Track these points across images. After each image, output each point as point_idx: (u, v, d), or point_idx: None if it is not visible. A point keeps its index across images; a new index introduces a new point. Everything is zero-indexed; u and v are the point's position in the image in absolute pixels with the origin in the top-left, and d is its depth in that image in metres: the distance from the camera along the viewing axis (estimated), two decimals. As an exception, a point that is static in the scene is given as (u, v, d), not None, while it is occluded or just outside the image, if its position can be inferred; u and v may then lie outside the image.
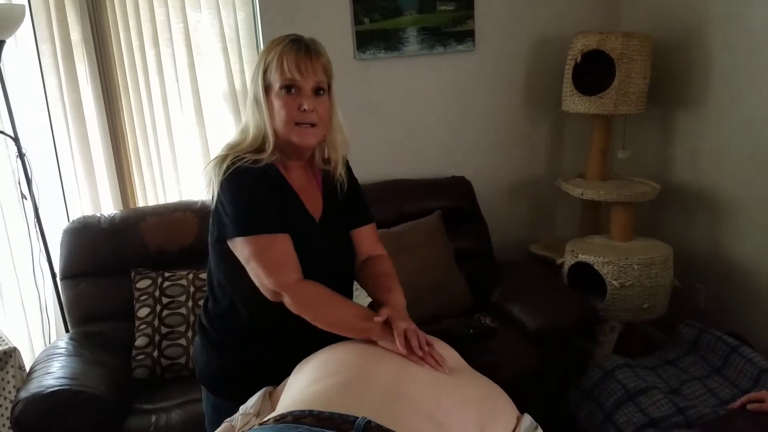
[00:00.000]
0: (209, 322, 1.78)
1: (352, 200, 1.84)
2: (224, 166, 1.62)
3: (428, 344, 1.48)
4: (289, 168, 1.72)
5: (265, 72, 1.63)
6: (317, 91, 1.65)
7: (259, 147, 1.66)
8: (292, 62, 1.60)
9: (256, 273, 1.60)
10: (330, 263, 1.72)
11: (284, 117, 1.62)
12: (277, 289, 1.59)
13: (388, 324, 1.55)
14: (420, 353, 1.45)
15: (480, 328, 2.78)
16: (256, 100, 1.66)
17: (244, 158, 1.62)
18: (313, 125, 1.65)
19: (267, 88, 1.64)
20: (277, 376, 1.52)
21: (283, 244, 1.61)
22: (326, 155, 1.79)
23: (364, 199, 1.90)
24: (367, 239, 1.86)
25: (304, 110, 1.62)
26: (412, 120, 3.46)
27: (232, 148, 1.68)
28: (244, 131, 1.70)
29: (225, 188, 1.61)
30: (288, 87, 1.62)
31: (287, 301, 1.59)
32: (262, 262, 1.58)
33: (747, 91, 2.90)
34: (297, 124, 1.63)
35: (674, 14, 3.27)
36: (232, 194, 1.60)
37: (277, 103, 1.63)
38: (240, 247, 1.61)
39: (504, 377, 1.50)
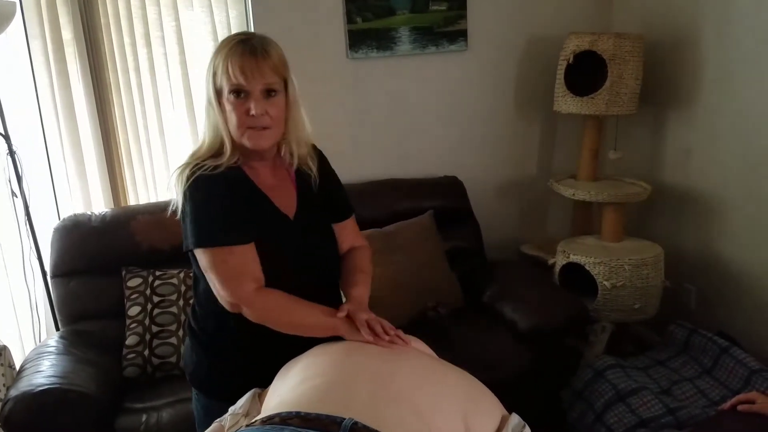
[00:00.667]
0: (197, 324, 1.78)
1: (331, 194, 1.84)
2: (185, 176, 1.61)
3: (391, 328, 1.54)
4: (256, 168, 1.70)
5: (214, 75, 1.60)
6: (268, 92, 1.61)
7: (217, 151, 1.64)
8: (237, 66, 1.56)
9: (213, 284, 1.60)
10: (310, 258, 1.72)
11: (235, 122, 1.60)
12: (234, 301, 1.58)
13: (350, 319, 1.58)
14: (387, 338, 1.50)
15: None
16: (210, 105, 1.63)
17: (203, 166, 1.60)
18: (265, 128, 1.62)
19: (218, 92, 1.61)
20: (268, 377, 1.52)
21: (239, 255, 1.59)
22: (289, 150, 1.77)
23: (344, 191, 1.89)
24: (349, 232, 1.87)
25: (253, 115, 1.59)
26: (404, 119, 3.46)
27: (193, 155, 1.67)
28: (202, 138, 1.68)
29: (187, 198, 1.60)
30: (236, 91, 1.58)
31: (246, 312, 1.59)
32: (218, 274, 1.58)
33: (738, 93, 2.91)
34: (249, 128, 1.61)
35: (666, 15, 3.27)
36: (193, 204, 1.59)
37: (228, 107, 1.60)
38: (199, 258, 1.61)
39: (496, 377, 1.50)
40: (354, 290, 1.72)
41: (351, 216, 1.89)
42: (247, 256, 1.60)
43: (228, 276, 1.58)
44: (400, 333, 1.54)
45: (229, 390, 1.58)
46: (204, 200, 1.59)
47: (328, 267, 1.81)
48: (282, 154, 1.75)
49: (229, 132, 1.63)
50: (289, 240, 1.69)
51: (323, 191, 1.81)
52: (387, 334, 1.52)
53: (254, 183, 1.69)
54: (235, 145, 1.64)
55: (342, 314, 1.58)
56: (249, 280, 1.59)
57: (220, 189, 1.60)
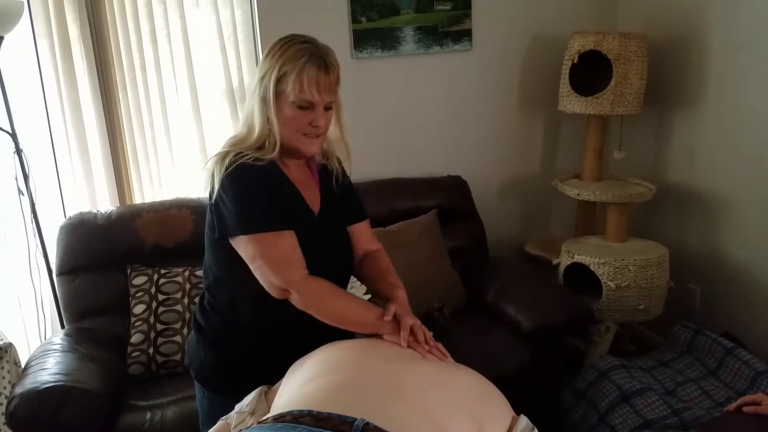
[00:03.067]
0: (204, 319, 1.78)
1: (346, 196, 1.86)
2: (226, 163, 1.61)
3: (431, 339, 1.56)
4: (288, 165, 1.73)
5: (279, 79, 1.60)
6: (327, 106, 1.65)
7: (262, 145, 1.65)
8: (313, 83, 1.59)
9: (261, 271, 1.60)
10: (329, 257, 1.74)
11: (294, 128, 1.63)
12: (285, 286, 1.59)
13: (394, 319, 1.59)
14: (426, 347, 1.52)
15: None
16: (265, 102, 1.63)
17: (246, 155, 1.62)
18: (318, 135, 1.67)
19: (278, 94, 1.62)
20: (273, 373, 1.53)
21: (288, 240, 1.61)
22: (328, 150, 1.82)
23: (357, 195, 1.91)
24: (363, 235, 1.88)
25: (316, 126, 1.63)
26: (408, 119, 3.46)
27: (235, 143, 1.67)
28: (249, 127, 1.68)
29: (227, 185, 1.60)
30: (303, 104, 1.61)
31: (294, 297, 1.60)
32: (268, 260, 1.58)
33: (743, 93, 2.91)
34: (305, 134, 1.64)
35: (671, 15, 3.27)
36: (235, 191, 1.60)
37: (288, 113, 1.62)
38: (244, 246, 1.61)
39: (497, 376, 1.50)
40: (398, 291, 1.72)
41: (366, 218, 1.90)
42: (295, 242, 1.62)
43: (279, 261, 1.59)
44: (441, 347, 1.56)
45: (235, 386, 1.59)
46: (247, 188, 1.61)
47: (344, 263, 1.83)
48: (315, 157, 1.79)
49: (278, 130, 1.63)
50: (313, 236, 1.70)
51: (342, 194, 1.84)
52: (427, 343, 1.54)
53: (288, 177, 1.71)
54: (281, 142, 1.65)
55: (389, 317, 1.59)
56: (299, 266, 1.61)
57: (261, 178, 1.62)
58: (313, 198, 1.76)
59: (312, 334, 1.59)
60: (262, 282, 1.61)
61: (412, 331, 1.55)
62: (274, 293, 1.61)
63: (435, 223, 3.16)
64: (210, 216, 1.69)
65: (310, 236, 1.67)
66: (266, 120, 1.64)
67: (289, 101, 1.61)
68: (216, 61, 3.16)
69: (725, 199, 3.07)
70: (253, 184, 1.61)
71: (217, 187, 1.62)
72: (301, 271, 1.60)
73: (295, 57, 1.60)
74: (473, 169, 3.51)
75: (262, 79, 1.63)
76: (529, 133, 3.68)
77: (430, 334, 1.57)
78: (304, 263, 1.62)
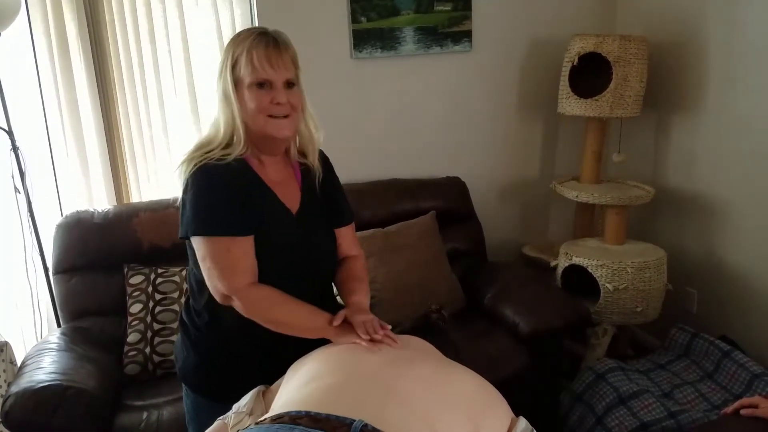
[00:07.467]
0: (190, 320, 1.77)
1: (332, 198, 1.84)
2: (191, 165, 1.61)
3: (383, 327, 1.55)
4: (265, 163, 1.71)
5: (233, 67, 1.61)
6: (288, 84, 1.64)
7: (228, 142, 1.65)
8: (263, 58, 1.58)
9: (209, 274, 1.60)
10: (309, 252, 1.73)
11: (255, 108, 1.61)
12: (228, 293, 1.59)
13: (346, 323, 1.58)
14: (378, 337, 1.51)
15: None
16: (226, 97, 1.63)
17: (210, 156, 1.61)
18: (286, 116, 1.64)
19: (237, 83, 1.62)
20: (256, 374, 1.52)
21: (241, 247, 1.59)
22: (299, 147, 1.79)
23: (345, 197, 1.89)
24: (345, 239, 1.87)
25: (278, 103, 1.61)
26: (408, 120, 3.46)
27: (202, 146, 1.66)
28: (215, 127, 1.68)
29: (189, 186, 1.61)
30: (260, 83, 1.60)
31: (237, 304, 1.60)
32: (216, 265, 1.58)
33: (743, 96, 2.91)
34: (270, 116, 1.62)
35: (670, 17, 3.27)
36: (194, 192, 1.60)
37: (248, 96, 1.61)
38: (197, 246, 1.61)
39: (496, 379, 1.50)
40: (353, 298, 1.73)
41: (350, 223, 1.88)
42: (246, 249, 1.60)
43: (226, 267, 1.58)
44: (389, 333, 1.55)
45: (218, 387, 1.59)
46: (207, 189, 1.60)
47: (326, 263, 1.81)
48: (297, 147, 1.78)
49: (244, 123, 1.63)
50: (290, 233, 1.69)
51: (325, 194, 1.82)
52: (377, 333, 1.53)
53: (259, 176, 1.69)
54: (251, 137, 1.65)
55: (337, 322, 1.59)
56: (246, 273, 1.59)
57: (223, 179, 1.61)
58: (291, 197, 1.74)
59: (293, 339, 1.59)
60: (208, 285, 1.61)
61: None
62: (217, 298, 1.61)
63: (434, 225, 3.16)
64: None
65: (285, 235, 1.67)
66: (230, 115, 1.63)
67: (246, 85, 1.60)
68: (214, 61, 3.15)
69: (723, 203, 3.07)
70: (214, 184, 1.60)
71: (182, 188, 1.63)
72: (247, 279, 1.59)
73: (242, 41, 1.61)
74: (472, 171, 3.51)
75: (220, 75, 1.64)
76: (528, 135, 3.68)
77: (377, 322, 1.56)
78: (254, 271, 1.61)
